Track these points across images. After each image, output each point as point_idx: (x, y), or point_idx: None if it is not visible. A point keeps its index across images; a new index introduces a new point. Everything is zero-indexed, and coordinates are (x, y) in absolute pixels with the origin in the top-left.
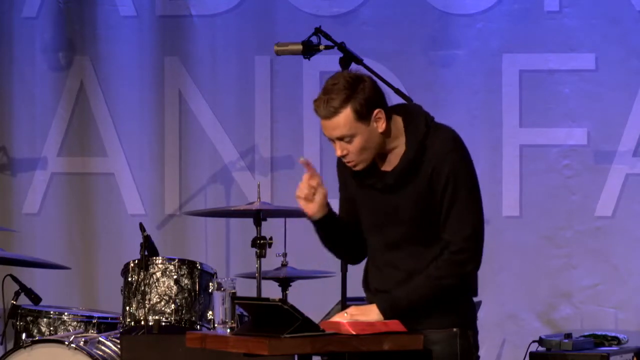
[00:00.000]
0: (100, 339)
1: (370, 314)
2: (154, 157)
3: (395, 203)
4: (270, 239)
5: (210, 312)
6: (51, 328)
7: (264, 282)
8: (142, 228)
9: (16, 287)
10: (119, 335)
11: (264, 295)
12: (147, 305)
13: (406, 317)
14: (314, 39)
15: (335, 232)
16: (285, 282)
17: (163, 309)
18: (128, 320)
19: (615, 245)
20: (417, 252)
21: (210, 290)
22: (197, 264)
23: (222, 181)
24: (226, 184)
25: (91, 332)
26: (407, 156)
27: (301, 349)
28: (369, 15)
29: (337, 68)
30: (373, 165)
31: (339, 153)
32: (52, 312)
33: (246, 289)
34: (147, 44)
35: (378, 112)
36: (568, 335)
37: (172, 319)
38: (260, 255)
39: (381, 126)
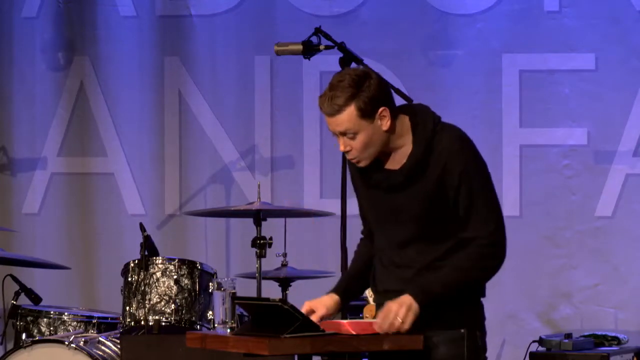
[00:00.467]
0: (100, 339)
1: (405, 301)
2: (154, 157)
3: (401, 202)
4: (270, 239)
5: (210, 312)
6: (51, 328)
7: (264, 282)
8: (142, 228)
9: (16, 287)
10: (119, 335)
11: (264, 295)
12: (147, 305)
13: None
14: (314, 39)
15: (362, 282)
16: (285, 282)
17: (163, 309)
18: (128, 320)
19: (615, 245)
20: (424, 251)
21: (210, 290)
22: (197, 264)
23: (222, 181)
24: (226, 184)
25: (91, 332)
26: (415, 155)
27: (301, 349)
28: (368, 15)
29: (337, 68)
30: (379, 164)
31: (342, 148)
32: (52, 312)
33: (246, 289)
34: (147, 44)
35: (383, 110)
36: (568, 335)
37: (172, 319)
38: (260, 255)
39: (386, 124)
